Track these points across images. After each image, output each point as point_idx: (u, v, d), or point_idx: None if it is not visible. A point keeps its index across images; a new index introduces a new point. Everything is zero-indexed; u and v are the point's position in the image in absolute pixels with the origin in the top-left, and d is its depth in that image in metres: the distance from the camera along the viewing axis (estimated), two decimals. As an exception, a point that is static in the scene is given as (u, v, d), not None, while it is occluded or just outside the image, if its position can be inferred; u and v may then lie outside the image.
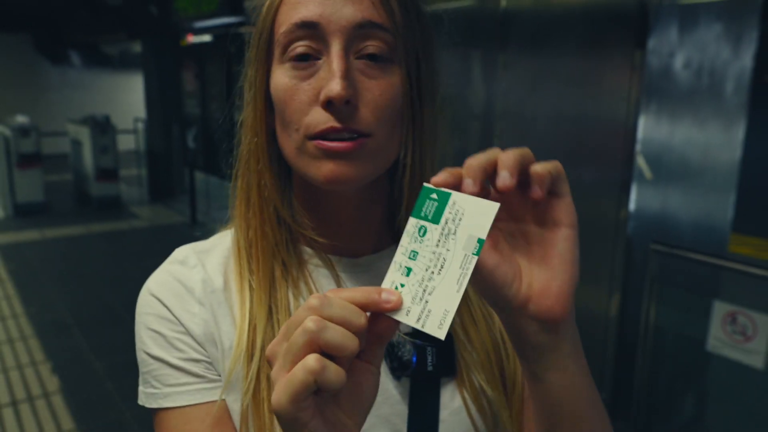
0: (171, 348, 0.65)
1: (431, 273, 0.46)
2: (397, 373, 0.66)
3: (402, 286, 0.46)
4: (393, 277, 0.47)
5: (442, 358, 0.67)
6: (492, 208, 0.45)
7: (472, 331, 0.69)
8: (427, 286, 0.46)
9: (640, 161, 2.85)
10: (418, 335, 0.66)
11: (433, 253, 0.46)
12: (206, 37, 6.67)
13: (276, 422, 0.60)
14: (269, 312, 0.65)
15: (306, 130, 0.59)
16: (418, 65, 0.62)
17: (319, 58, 0.59)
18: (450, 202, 0.46)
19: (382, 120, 0.60)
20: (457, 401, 0.67)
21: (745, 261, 2.37)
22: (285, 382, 0.43)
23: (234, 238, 0.70)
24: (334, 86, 0.56)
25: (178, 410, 0.64)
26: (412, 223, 0.47)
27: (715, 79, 2.80)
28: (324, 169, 0.59)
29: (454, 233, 0.46)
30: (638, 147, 2.57)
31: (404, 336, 0.66)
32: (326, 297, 0.45)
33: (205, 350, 0.65)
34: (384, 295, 0.46)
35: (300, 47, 0.59)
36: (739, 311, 2.30)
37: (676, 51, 2.58)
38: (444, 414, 0.66)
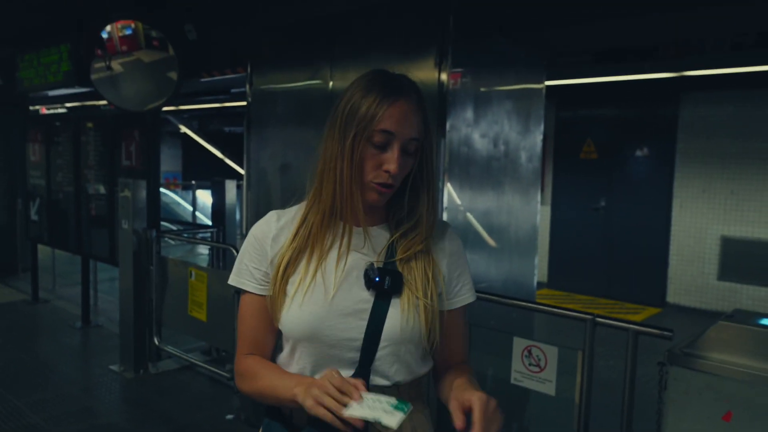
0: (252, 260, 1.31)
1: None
2: (368, 285, 1.24)
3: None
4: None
5: (394, 283, 1.24)
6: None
7: (417, 279, 1.26)
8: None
9: (477, 226, 3.25)
10: (382, 269, 1.25)
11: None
12: (58, 109, 6.51)
13: (277, 307, 1.28)
14: (298, 253, 1.28)
15: (373, 178, 1.23)
16: (423, 150, 1.28)
17: (387, 148, 1.22)
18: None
19: (401, 178, 1.26)
20: (400, 308, 1.23)
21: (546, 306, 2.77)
22: (310, 402, 1.09)
23: (304, 209, 1.31)
24: (392, 165, 1.21)
25: (245, 292, 1.32)
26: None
27: (510, 148, 3.30)
28: (374, 196, 1.24)
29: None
30: (444, 214, 2.95)
31: (374, 265, 1.25)
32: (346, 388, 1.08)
33: (268, 269, 1.30)
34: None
35: (381, 138, 1.21)
36: (533, 345, 2.67)
37: (472, 126, 3.04)
38: (390, 313, 1.23)
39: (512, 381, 2.75)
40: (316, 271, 1.26)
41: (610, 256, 8.09)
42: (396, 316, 1.23)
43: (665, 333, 2.35)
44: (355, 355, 1.25)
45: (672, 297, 7.68)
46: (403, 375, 1.29)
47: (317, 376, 1.23)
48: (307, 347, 1.26)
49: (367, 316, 1.24)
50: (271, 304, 1.28)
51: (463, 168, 3.07)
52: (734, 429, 1.91)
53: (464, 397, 1.14)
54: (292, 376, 1.26)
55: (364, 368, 1.24)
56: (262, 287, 1.31)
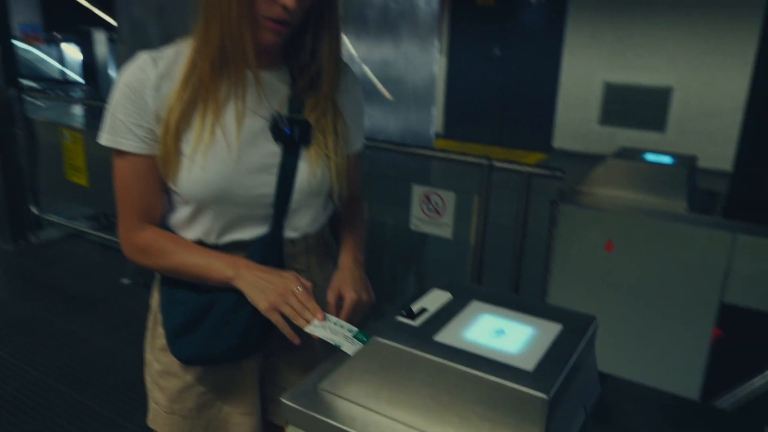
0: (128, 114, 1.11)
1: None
2: (276, 137, 1.15)
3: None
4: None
5: (303, 134, 1.17)
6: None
7: (328, 135, 1.20)
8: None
9: (374, 80, 3.08)
10: (289, 119, 1.17)
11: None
12: None
13: (171, 169, 1.13)
14: (189, 105, 1.12)
15: (266, 12, 1.06)
16: None
17: None
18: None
19: (300, 15, 1.10)
20: (309, 160, 1.18)
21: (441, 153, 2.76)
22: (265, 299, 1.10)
23: (191, 52, 1.13)
24: (290, 2, 1.05)
25: (124, 153, 1.13)
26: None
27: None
28: (268, 36, 1.09)
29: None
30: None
31: (284, 116, 1.16)
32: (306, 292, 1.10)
33: (152, 125, 1.12)
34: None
35: None
36: (431, 191, 2.69)
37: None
38: (301, 166, 1.17)
39: (411, 227, 2.80)
40: (213, 126, 1.12)
41: (503, 105, 8.26)
42: (306, 168, 1.18)
43: (557, 173, 2.43)
44: (268, 211, 1.19)
45: (558, 142, 8.08)
46: (313, 226, 1.27)
47: (226, 238, 1.20)
48: (215, 209, 1.17)
49: (276, 170, 1.17)
50: (163, 166, 1.14)
51: (360, 12, 2.86)
52: (614, 257, 2.06)
53: (342, 290, 1.19)
54: (219, 255, 1.16)
55: (277, 223, 1.20)
56: (146, 146, 1.14)
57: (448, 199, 2.67)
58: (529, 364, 0.84)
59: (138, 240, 1.18)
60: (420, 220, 2.77)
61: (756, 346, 2.07)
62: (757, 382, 1.87)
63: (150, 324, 1.31)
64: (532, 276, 2.59)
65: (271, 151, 1.16)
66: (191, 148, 1.12)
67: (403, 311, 0.98)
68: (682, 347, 2.03)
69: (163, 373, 1.27)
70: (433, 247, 2.95)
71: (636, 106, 7.49)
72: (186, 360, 1.20)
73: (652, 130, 7.51)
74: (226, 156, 1.13)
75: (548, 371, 0.82)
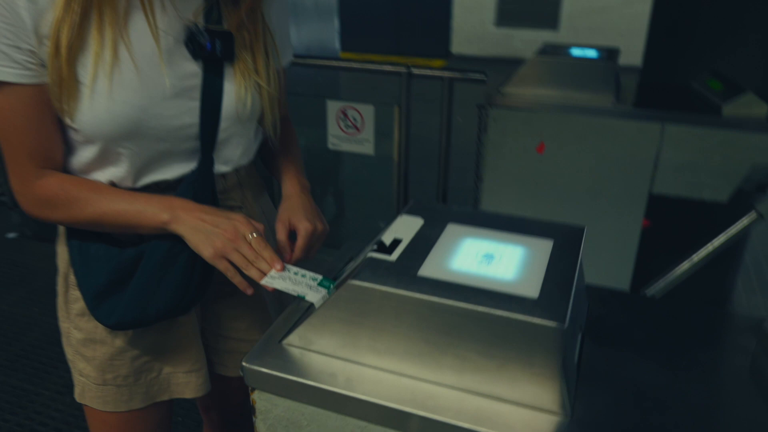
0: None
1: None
2: (196, 54, 0.96)
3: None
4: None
5: (226, 48, 0.98)
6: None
7: (258, 55, 1.02)
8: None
9: None
10: (208, 31, 0.96)
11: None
12: None
13: (67, 99, 0.90)
14: (81, 18, 0.87)
15: None
16: None
17: None
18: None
19: None
20: (236, 79, 1.00)
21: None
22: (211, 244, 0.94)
23: None
24: None
25: (3, 85, 0.89)
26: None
27: None
28: None
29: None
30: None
31: (201, 27, 0.96)
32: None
33: (35, 46, 0.87)
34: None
35: None
36: (348, 106, 2.52)
37: None
38: (226, 87, 0.99)
39: (329, 146, 2.63)
40: (115, 43, 0.91)
41: (398, 14, 7.99)
42: (232, 90, 1.01)
43: (479, 76, 2.32)
44: (194, 144, 1.02)
45: (456, 47, 7.98)
46: (246, 157, 1.12)
47: (145, 180, 1.01)
48: (128, 148, 0.97)
49: (198, 94, 0.98)
50: (57, 98, 0.91)
51: None
52: (546, 159, 2.02)
53: (293, 221, 1.07)
54: (148, 197, 0.97)
55: (206, 157, 1.03)
56: (31, 73, 0.89)
57: (366, 113, 2.51)
58: (531, 291, 0.74)
59: (40, 190, 0.96)
60: (338, 138, 2.60)
61: (681, 233, 2.14)
62: (683, 267, 1.93)
63: (60, 288, 1.10)
64: (461, 187, 2.53)
65: (189, 72, 0.97)
66: (91, 73, 0.89)
67: (374, 245, 0.85)
68: (614, 241, 2.06)
69: (86, 342, 1.09)
70: (354, 166, 2.81)
71: (529, 5, 7.47)
72: (114, 326, 1.02)
73: (546, 29, 7.56)
74: (135, 80, 0.92)
75: (555, 296, 0.73)
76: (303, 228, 1.05)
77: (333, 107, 2.53)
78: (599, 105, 1.98)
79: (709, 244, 1.94)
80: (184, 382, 1.15)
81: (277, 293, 0.95)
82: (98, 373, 1.10)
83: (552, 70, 2.04)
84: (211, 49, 0.96)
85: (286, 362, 0.82)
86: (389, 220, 0.94)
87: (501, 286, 0.75)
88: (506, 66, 2.42)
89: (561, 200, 2.06)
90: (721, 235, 1.90)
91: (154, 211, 0.94)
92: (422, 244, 0.84)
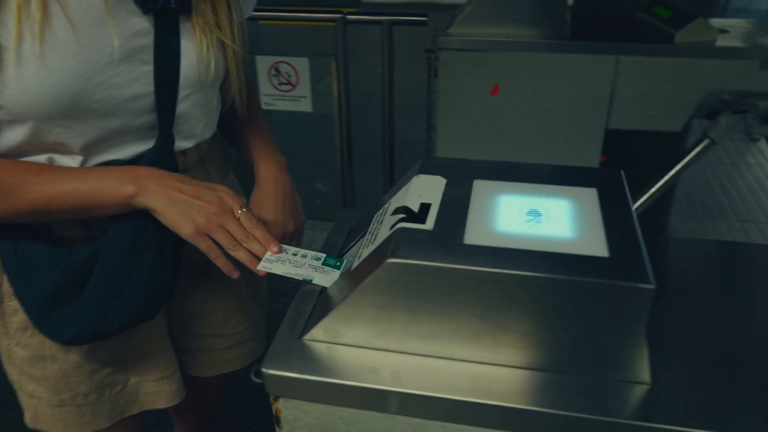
0: None
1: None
2: (146, 6, 0.77)
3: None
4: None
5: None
6: None
7: (219, 4, 0.84)
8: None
9: None
10: None
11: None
12: None
13: None
14: None
15: None
16: None
17: None
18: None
19: None
20: (194, 35, 0.83)
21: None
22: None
23: None
24: None
25: None
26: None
27: None
28: None
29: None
30: None
31: None
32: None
33: None
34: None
35: None
36: (279, 61, 2.32)
37: None
38: (184, 46, 0.81)
39: (263, 107, 2.43)
40: None
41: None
42: (191, 49, 0.83)
43: (420, 18, 2.19)
44: (149, 119, 0.84)
45: (364, -5, 7.72)
46: (209, 129, 0.95)
47: (90, 165, 0.83)
48: (67, 127, 0.78)
49: (150, 56, 0.80)
50: None
51: None
52: (501, 100, 1.94)
53: (261, 217, 0.93)
54: (104, 170, 0.79)
55: (165, 133, 0.85)
56: None
57: (301, 67, 2.32)
58: (598, 249, 0.65)
59: None
60: (272, 97, 2.40)
61: (637, 166, 2.14)
62: (643, 199, 1.94)
63: None
64: (411, 140, 2.42)
65: (138, 29, 0.79)
66: (14, 34, 0.69)
67: (400, 213, 0.72)
68: (573, 180, 2.04)
69: (33, 360, 0.90)
70: (292, 122, 2.62)
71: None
72: (69, 342, 0.85)
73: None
74: (72, 41, 0.73)
75: (628, 253, 0.64)
76: (271, 229, 0.89)
77: (263, 63, 2.33)
78: (553, 40, 1.90)
79: (667, 175, 1.95)
80: (155, 391, 0.99)
81: (247, 275, 0.81)
82: (52, 393, 0.92)
83: (500, 7, 1.94)
84: (174, 2, 0.79)
85: (314, 361, 0.69)
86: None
87: (562, 246, 0.65)
88: (427, 11, 2.30)
89: (518, 142, 2.00)
90: (678, 165, 1.91)
91: (114, 185, 0.77)
92: (455, 207, 0.73)
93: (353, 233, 0.90)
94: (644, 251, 0.64)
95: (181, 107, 0.85)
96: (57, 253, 0.82)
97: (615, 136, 1.95)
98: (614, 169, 0.80)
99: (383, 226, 0.74)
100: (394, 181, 2.37)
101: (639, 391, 0.64)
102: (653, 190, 1.96)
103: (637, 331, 0.62)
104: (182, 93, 0.84)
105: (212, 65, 0.85)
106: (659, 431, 0.60)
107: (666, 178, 1.94)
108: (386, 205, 0.81)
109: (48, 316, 0.83)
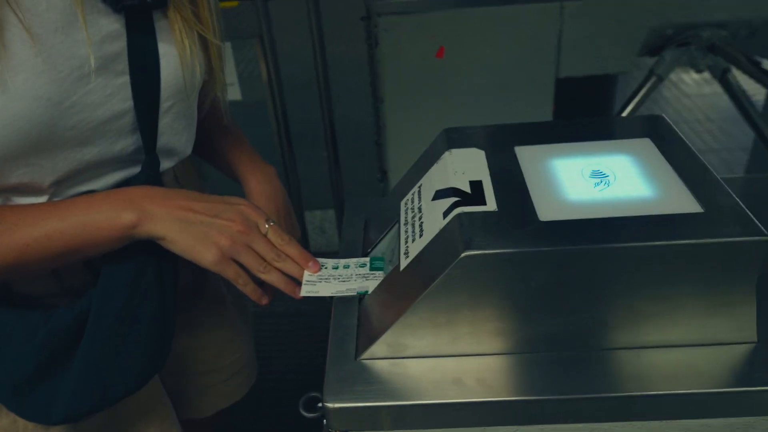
0: None
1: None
2: (118, 3, 0.62)
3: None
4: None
5: None
6: None
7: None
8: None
9: None
10: None
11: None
12: None
13: None
14: None
15: None
16: None
17: None
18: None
19: None
20: (174, 34, 0.68)
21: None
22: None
23: None
24: None
25: None
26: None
27: None
28: None
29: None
30: None
31: None
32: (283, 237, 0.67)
33: None
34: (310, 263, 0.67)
35: None
36: (199, 49, 2.12)
37: None
38: (163, 49, 0.67)
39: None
40: None
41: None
42: (172, 51, 0.69)
43: (348, -15, 2.05)
44: (130, 141, 0.69)
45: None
46: (191, 143, 0.81)
47: (70, 193, 0.68)
48: (34, 164, 0.62)
49: (125, 65, 0.65)
50: None
51: None
52: (447, 63, 1.86)
53: None
54: (87, 201, 0.63)
55: (151, 156, 0.71)
56: None
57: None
58: (689, 205, 0.58)
59: None
60: (196, 89, 2.21)
61: (588, 111, 2.13)
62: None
63: None
64: (351, 118, 2.30)
65: (108, 32, 0.64)
66: None
67: (449, 196, 0.62)
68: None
69: None
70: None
71: None
72: (60, 422, 0.69)
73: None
74: (32, 57, 0.57)
75: (724, 206, 0.57)
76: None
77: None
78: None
79: (619, 116, 1.94)
80: None
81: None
82: None
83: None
84: None
85: (383, 384, 0.59)
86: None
87: (650, 207, 0.58)
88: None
89: (469, 103, 1.93)
90: (630, 105, 1.91)
91: (106, 216, 0.62)
92: (509, 181, 0.64)
93: (373, 225, 0.79)
94: (739, 201, 0.57)
95: (163, 122, 0.71)
96: (31, 319, 0.65)
97: (569, 83, 1.92)
98: (657, 116, 0.73)
99: (428, 214, 0.64)
100: (339, 164, 2.26)
101: (745, 352, 0.58)
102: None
103: (748, 288, 0.55)
104: (164, 105, 0.70)
105: (197, 68, 0.72)
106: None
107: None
108: (416, 189, 0.71)
109: (26, 397, 0.67)
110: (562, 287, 0.56)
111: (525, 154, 0.68)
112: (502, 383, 0.58)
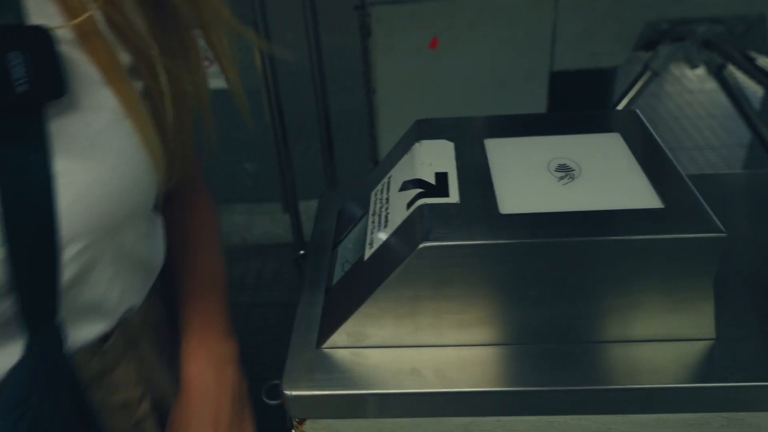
0: None
1: None
2: None
3: None
4: None
5: (50, 76, 0.43)
6: None
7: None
8: None
9: None
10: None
11: None
12: None
13: None
14: None
15: None
16: None
17: None
18: None
19: None
20: (78, 151, 0.46)
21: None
22: None
23: None
24: None
25: None
26: None
27: None
28: None
29: None
30: None
31: None
32: None
33: None
34: None
35: None
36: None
37: None
38: (62, 167, 0.45)
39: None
40: None
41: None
42: (77, 166, 0.47)
43: (343, -26, 2.04)
44: (8, 309, 0.47)
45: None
46: (142, 290, 0.61)
47: None
48: None
49: None
50: None
51: None
52: (440, 54, 1.85)
53: None
54: None
55: (43, 333, 0.48)
56: None
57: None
58: (650, 200, 0.58)
59: None
60: (191, 76, 2.20)
61: (584, 105, 2.13)
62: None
63: None
64: (345, 107, 2.29)
65: None
66: None
67: (414, 187, 0.63)
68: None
69: None
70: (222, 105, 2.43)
71: None
72: None
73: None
74: None
75: (685, 202, 0.57)
76: None
77: (177, 40, 2.12)
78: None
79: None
80: None
81: None
82: None
83: (429, -46, 1.83)
84: (21, 83, 0.42)
85: (343, 372, 0.59)
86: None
87: (611, 201, 0.58)
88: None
89: (463, 95, 1.92)
90: (625, 99, 1.90)
91: None
92: (475, 173, 0.64)
93: (344, 216, 0.80)
94: (700, 197, 0.57)
95: (72, 273, 0.49)
96: None
97: (559, 78, 1.91)
98: (630, 110, 0.73)
99: (393, 205, 0.64)
100: (333, 155, 2.25)
101: (702, 349, 0.59)
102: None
103: (705, 284, 0.55)
104: (69, 250, 0.48)
105: (122, 188, 0.49)
106: (725, 389, 0.55)
107: (612, 114, 1.93)
108: (386, 180, 0.71)
109: None
110: (519, 280, 0.56)
111: (494, 146, 0.68)
112: (459, 375, 0.58)
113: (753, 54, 1.76)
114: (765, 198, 0.81)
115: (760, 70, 1.68)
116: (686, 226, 0.53)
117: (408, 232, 0.58)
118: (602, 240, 0.53)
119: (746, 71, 1.70)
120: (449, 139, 0.70)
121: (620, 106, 1.89)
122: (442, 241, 0.54)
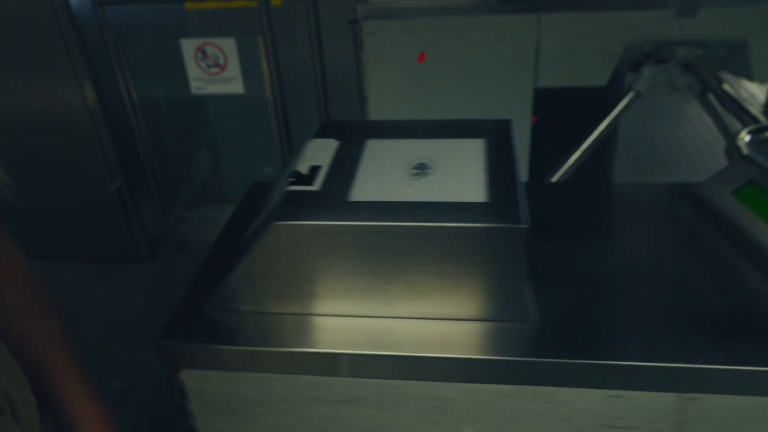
0: None
1: None
2: None
3: None
4: None
5: None
6: None
7: None
8: None
9: None
10: None
11: None
12: None
13: None
14: None
15: None
16: None
17: None
18: None
19: None
20: None
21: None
22: None
23: None
24: None
25: None
26: None
27: None
28: None
29: None
30: None
31: None
32: None
33: None
34: None
35: None
36: (205, 43, 2.27)
37: None
38: None
39: (193, 91, 2.38)
40: None
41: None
42: None
43: (345, -10, 2.16)
44: None
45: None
46: None
47: None
48: None
49: None
50: None
51: None
52: (428, 68, 1.94)
53: None
54: None
55: None
56: None
57: (228, 47, 2.29)
58: (478, 195, 0.66)
59: None
60: (201, 81, 2.36)
61: (568, 123, 2.17)
62: (577, 154, 1.97)
63: None
64: (348, 116, 2.41)
65: None
66: None
67: (290, 177, 0.73)
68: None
69: None
70: (225, 110, 2.58)
71: None
72: None
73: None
74: None
75: (506, 197, 0.65)
76: None
77: (189, 46, 2.28)
78: (473, 2, 1.91)
79: (596, 129, 1.99)
80: None
81: None
82: None
83: (420, -27, 1.93)
84: None
85: (215, 331, 0.69)
86: (274, 164, 0.79)
87: (444, 195, 0.66)
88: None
89: (449, 107, 2.01)
90: (606, 119, 1.95)
91: None
92: (345, 167, 0.73)
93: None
94: (521, 194, 0.65)
95: None
96: None
97: (545, 94, 1.98)
98: (504, 120, 0.81)
99: (276, 192, 0.74)
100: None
101: (523, 330, 0.66)
102: (585, 145, 1.99)
103: (519, 271, 0.63)
104: None
105: None
106: (547, 365, 0.63)
107: (596, 133, 1.98)
108: (286, 173, 0.81)
109: None
110: (358, 258, 0.65)
111: (373, 146, 0.77)
112: (310, 338, 0.67)
113: (734, 77, 1.79)
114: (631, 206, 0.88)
115: (731, 98, 1.70)
116: (494, 217, 0.62)
117: (272, 213, 0.68)
118: (419, 226, 0.62)
119: (719, 98, 1.73)
120: (340, 138, 0.80)
121: (603, 126, 1.94)
122: (290, 220, 0.64)
